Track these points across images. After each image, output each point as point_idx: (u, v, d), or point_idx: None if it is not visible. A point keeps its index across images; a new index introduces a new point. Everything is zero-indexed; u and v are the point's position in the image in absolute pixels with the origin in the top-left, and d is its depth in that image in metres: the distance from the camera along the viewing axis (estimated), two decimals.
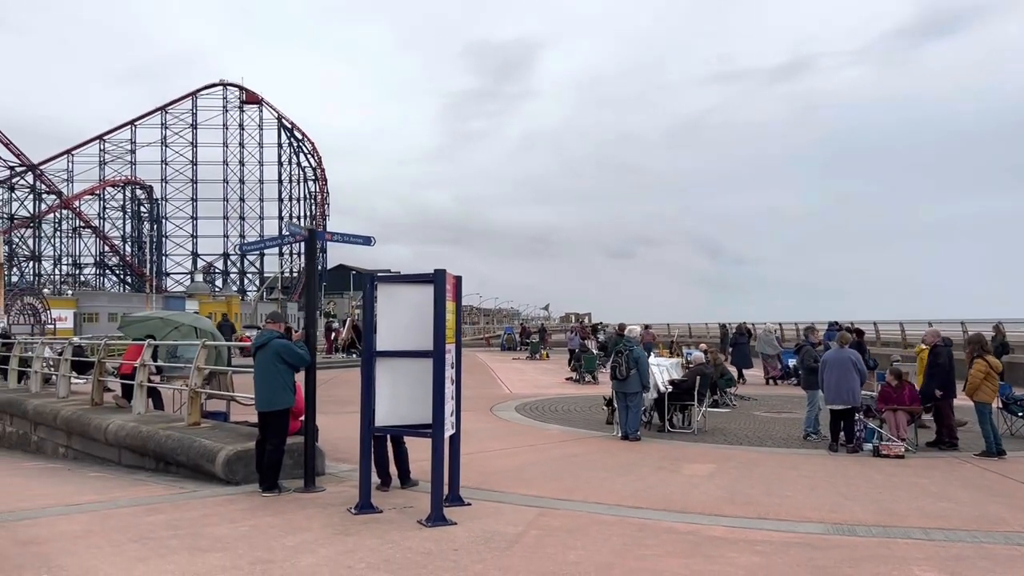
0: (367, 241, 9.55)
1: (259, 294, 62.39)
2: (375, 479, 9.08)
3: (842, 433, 12.00)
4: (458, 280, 8.40)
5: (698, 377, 13.77)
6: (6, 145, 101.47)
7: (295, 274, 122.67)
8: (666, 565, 6.15)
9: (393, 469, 9.14)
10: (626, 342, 13.08)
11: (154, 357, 13.49)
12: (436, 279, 7.65)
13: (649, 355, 34.49)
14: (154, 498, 8.58)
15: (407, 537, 6.91)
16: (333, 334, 36.46)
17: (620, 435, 12.90)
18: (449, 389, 7.90)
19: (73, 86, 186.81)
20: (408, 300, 8.06)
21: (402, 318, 8.02)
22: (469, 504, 8.13)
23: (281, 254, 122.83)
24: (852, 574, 5.98)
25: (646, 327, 35.73)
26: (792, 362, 25.86)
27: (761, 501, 8.46)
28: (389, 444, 9.10)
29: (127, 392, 14.19)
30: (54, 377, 18.45)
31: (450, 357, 7.96)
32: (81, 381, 18.20)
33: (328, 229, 8.36)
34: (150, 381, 13.21)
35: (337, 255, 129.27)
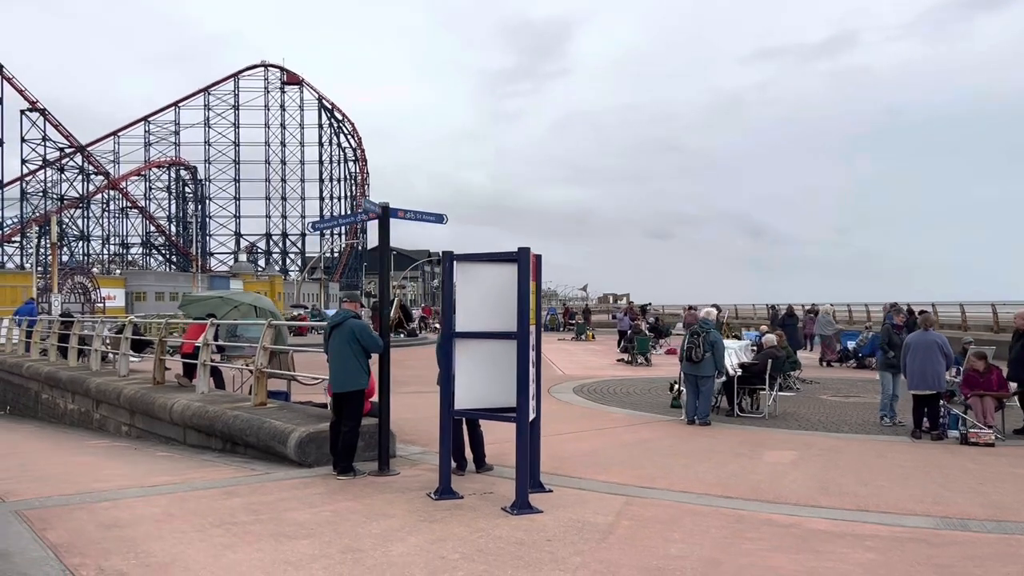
0: (439, 219, 9.26)
1: (304, 274, 62.67)
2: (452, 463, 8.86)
3: (925, 419, 11.49)
4: (538, 259, 8.08)
5: (769, 360, 13.32)
6: (56, 127, 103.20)
7: (336, 254, 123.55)
8: (776, 561, 5.80)
9: (468, 453, 8.90)
10: (703, 324, 12.66)
11: (215, 337, 13.40)
12: (520, 258, 7.33)
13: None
14: (228, 480, 8.42)
15: (495, 525, 6.64)
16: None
17: (687, 419, 12.52)
18: (531, 372, 7.61)
19: (115, 68, 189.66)
20: (487, 279, 7.77)
21: (481, 298, 7.73)
22: (550, 491, 7.85)
23: (322, 234, 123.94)
24: (980, 574, 5.58)
25: (691, 308, 35.18)
26: (851, 344, 25.27)
27: (857, 492, 8.05)
28: (464, 427, 8.86)
29: (188, 371, 14.15)
30: (110, 355, 18.61)
31: (531, 339, 7.65)
32: (136, 359, 18.30)
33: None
34: (212, 360, 13.13)
35: (376, 235, 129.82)
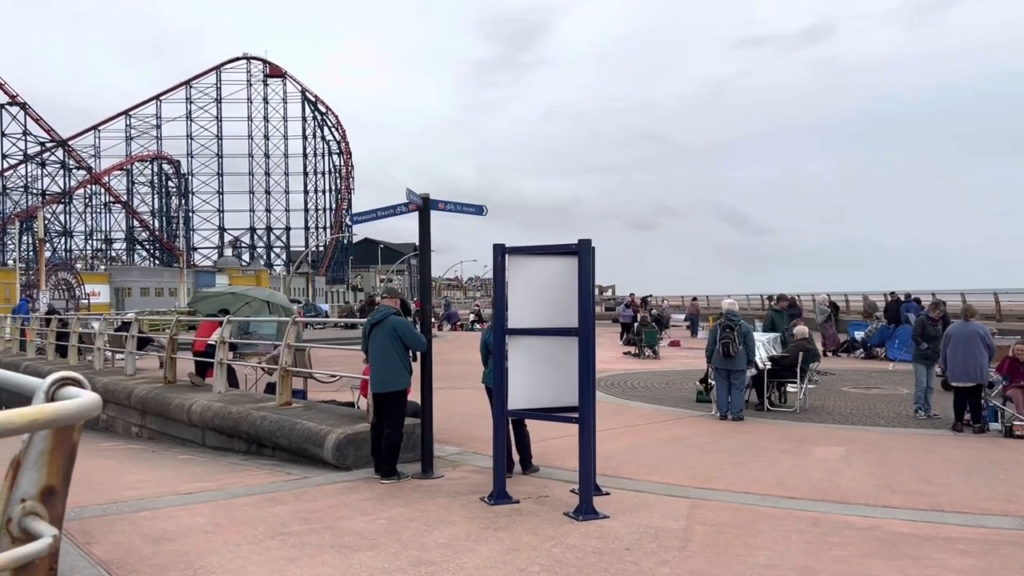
0: (479, 210, 8.88)
1: (295, 268, 61.81)
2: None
3: (966, 413, 11.25)
4: (592, 251, 7.72)
5: (801, 353, 13.05)
6: (37, 121, 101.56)
7: (322, 248, 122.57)
8: (873, 568, 5.49)
9: (514, 454, 8.54)
10: (732, 316, 12.34)
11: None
12: (581, 250, 6.98)
13: (696, 328, 33.78)
14: (267, 486, 8.02)
15: (564, 533, 6.30)
16: None
17: (720, 415, 12.22)
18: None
19: (92, 61, 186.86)
20: (540, 273, 7.42)
21: (534, 293, 7.38)
22: (607, 493, 7.51)
23: (307, 227, 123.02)
24: None
25: (694, 299, 35.02)
26: (859, 334, 25.11)
27: (923, 490, 7.77)
28: (510, 427, 8.50)
29: (199, 369, 13.72)
30: (108, 353, 18.07)
31: None
32: (136, 356, 17.79)
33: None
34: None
35: (362, 228, 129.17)
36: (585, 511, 6.75)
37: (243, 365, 13.74)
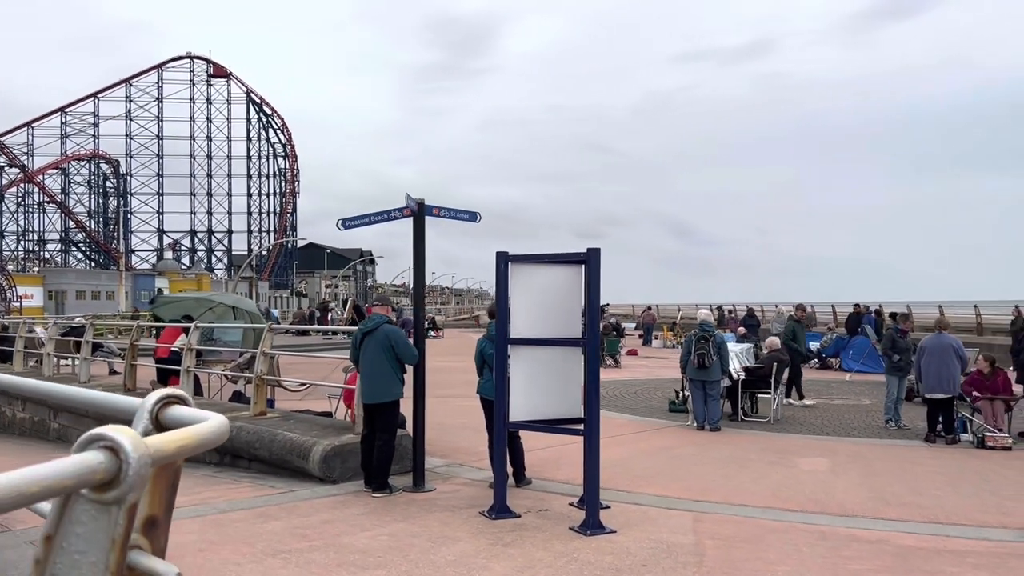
0: (472, 217, 8.69)
1: (239, 273, 60.38)
2: (490, 476, 8.34)
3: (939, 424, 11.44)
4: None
5: (775, 364, 13.14)
6: None
7: (264, 252, 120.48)
8: None
9: (507, 467, 8.35)
10: (706, 327, 12.37)
11: None
12: (590, 259, 6.86)
13: (651, 337, 33.96)
14: (253, 500, 7.69)
15: (575, 549, 6.15)
16: (330, 315, 35.39)
17: (697, 425, 12.22)
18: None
19: (24, 55, 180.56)
20: (543, 282, 7.28)
21: (539, 302, 7.24)
22: (607, 506, 7.35)
23: (250, 231, 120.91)
24: None
25: (648, 308, 35.27)
26: (815, 345, 25.51)
27: (917, 502, 7.82)
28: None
29: (162, 377, 13.22)
30: (53, 359, 17.32)
31: None
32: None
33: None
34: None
35: (305, 232, 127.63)
36: (592, 525, 6.61)
37: (208, 372, 13.27)
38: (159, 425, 1.90)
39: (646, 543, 6.32)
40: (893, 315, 21.03)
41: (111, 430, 1.58)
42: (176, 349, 12.82)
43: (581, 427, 7.01)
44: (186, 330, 12.80)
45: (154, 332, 15.79)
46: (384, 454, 7.84)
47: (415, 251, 8.24)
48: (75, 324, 19.50)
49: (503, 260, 7.18)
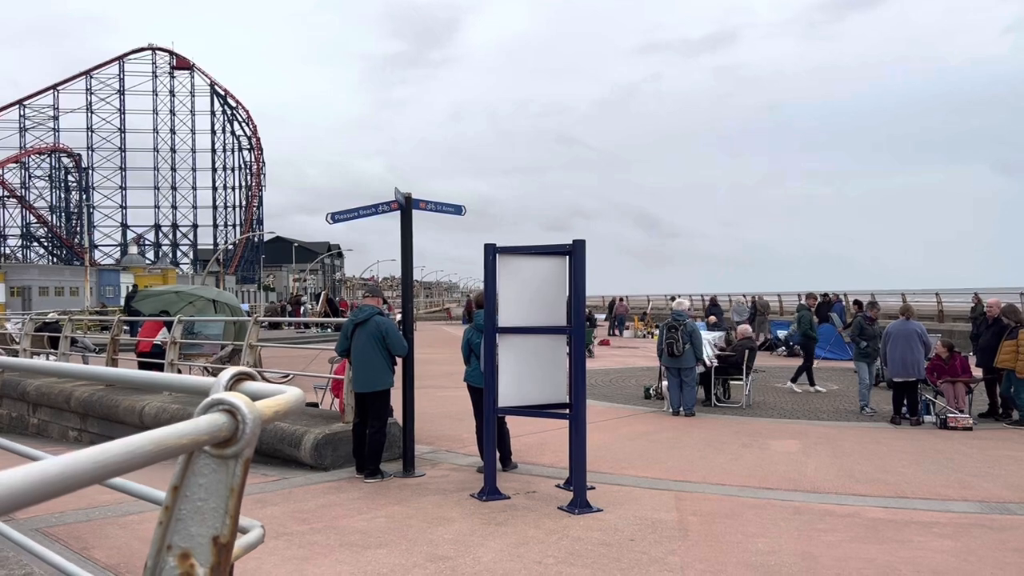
0: (458, 210, 8.93)
1: (207, 268, 59.89)
2: (479, 461, 8.62)
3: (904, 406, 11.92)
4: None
5: (747, 351, 13.56)
6: None
7: (231, 246, 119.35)
8: (867, 552, 5.83)
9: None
10: (677, 316, 12.73)
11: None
12: (576, 250, 7.15)
13: (623, 327, 34.42)
14: (248, 487, 7.85)
15: (565, 527, 6.45)
16: (303, 308, 35.38)
17: (672, 411, 12.59)
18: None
19: None
20: (529, 273, 7.56)
21: (525, 292, 7.52)
22: (593, 487, 7.66)
23: (215, 225, 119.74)
24: None
25: (621, 299, 35.76)
26: (782, 333, 26.13)
27: (884, 479, 8.22)
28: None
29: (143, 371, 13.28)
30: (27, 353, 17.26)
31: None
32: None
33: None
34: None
35: (272, 226, 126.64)
36: (580, 504, 6.92)
37: (190, 365, 13.37)
38: None
39: (632, 520, 6.64)
40: (857, 303, 21.64)
41: (230, 395, 1.84)
42: (158, 343, 12.92)
43: (567, 411, 7.31)
44: (168, 324, 12.90)
45: (127, 327, 15.78)
46: (376, 441, 8.08)
47: (403, 244, 8.47)
48: (48, 320, 19.41)
49: (491, 252, 7.44)
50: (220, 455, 1.82)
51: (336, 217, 8.18)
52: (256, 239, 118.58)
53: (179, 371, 13.10)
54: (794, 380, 15.74)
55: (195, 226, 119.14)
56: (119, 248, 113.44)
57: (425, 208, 8.53)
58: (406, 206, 8.33)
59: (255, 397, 1.98)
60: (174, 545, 1.93)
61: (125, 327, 15.73)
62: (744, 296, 35.62)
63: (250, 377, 2.27)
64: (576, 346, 7.19)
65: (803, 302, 17.96)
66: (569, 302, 7.69)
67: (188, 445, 1.71)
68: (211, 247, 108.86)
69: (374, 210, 8.29)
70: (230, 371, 2.20)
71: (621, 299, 34.68)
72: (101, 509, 6.91)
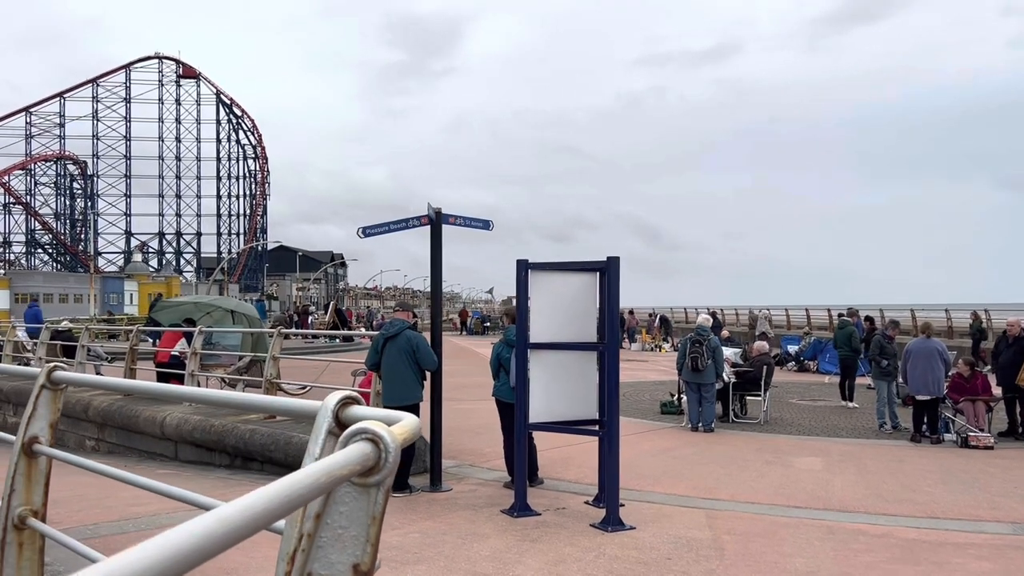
0: (486, 225, 8.97)
1: (212, 276, 59.94)
2: (504, 475, 8.63)
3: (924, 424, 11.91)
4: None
5: (764, 367, 13.55)
6: None
7: (235, 255, 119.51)
8: (906, 573, 5.83)
9: None
10: (702, 331, 12.73)
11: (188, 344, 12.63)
12: (610, 267, 7.17)
13: (632, 339, 34.40)
14: None
15: (600, 544, 6.44)
16: (311, 318, 35.41)
17: (691, 426, 12.58)
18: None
19: None
20: (561, 288, 7.58)
21: (556, 307, 7.53)
22: (622, 505, 7.65)
23: (219, 233, 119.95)
24: None
25: (630, 312, 35.79)
26: (793, 348, 26.10)
27: (913, 499, 8.21)
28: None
29: (162, 381, 13.28)
30: (41, 362, 17.28)
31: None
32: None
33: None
34: (184, 368, 12.35)
35: (275, 234, 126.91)
36: (613, 522, 6.91)
37: (208, 376, 13.38)
38: (340, 422, 2.17)
39: (666, 538, 6.63)
40: (869, 319, 21.64)
41: (372, 425, 1.86)
42: (176, 353, 12.94)
43: (597, 428, 7.31)
44: (187, 335, 12.92)
45: (147, 337, 15.80)
46: (405, 455, 8.04)
47: (432, 259, 8.49)
48: (61, 328, 19.42)
49: (523, 267, 7.46)
50: (363, 484, 1.84)
51: (367, 231, 8.20)
52: (260, 248, 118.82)
53: (197, 382, 13.12)
54: (849, 398, 15.67)
55: (199, 234, 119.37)
56: (123, 255, 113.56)
57: (455, 223, 8.56)
58: (436, 221, 8.35)
59: (360, 420, 2.00)
60: (315, 573, 1.94)
61: (146, 337, 15.73)
62: (708, 309, 36.35)
63: (356, 401, 2.29)
64: (610, 362, 7.19)
65: (845, 316, 18.01)
66: (601, 318, 7.71)
67: (346, 476, 1.72)
68: (215, 255, 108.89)
69: (405, 224, 8.32)
70: (336, 395, 2.22)
71: (631, 312, 34.68)
72: (134, 522, 6.92)
